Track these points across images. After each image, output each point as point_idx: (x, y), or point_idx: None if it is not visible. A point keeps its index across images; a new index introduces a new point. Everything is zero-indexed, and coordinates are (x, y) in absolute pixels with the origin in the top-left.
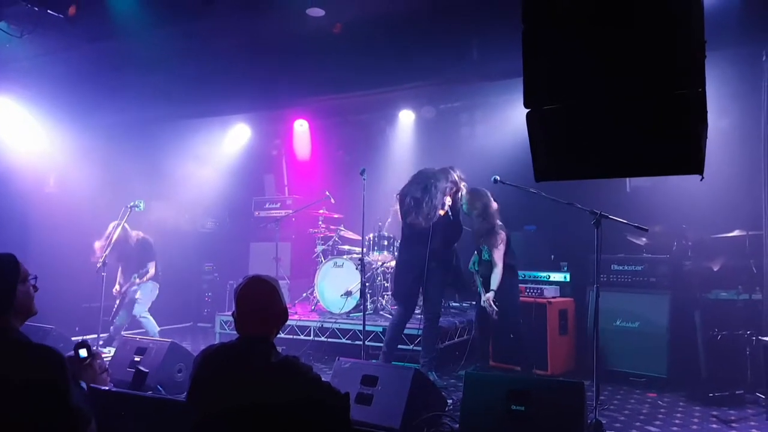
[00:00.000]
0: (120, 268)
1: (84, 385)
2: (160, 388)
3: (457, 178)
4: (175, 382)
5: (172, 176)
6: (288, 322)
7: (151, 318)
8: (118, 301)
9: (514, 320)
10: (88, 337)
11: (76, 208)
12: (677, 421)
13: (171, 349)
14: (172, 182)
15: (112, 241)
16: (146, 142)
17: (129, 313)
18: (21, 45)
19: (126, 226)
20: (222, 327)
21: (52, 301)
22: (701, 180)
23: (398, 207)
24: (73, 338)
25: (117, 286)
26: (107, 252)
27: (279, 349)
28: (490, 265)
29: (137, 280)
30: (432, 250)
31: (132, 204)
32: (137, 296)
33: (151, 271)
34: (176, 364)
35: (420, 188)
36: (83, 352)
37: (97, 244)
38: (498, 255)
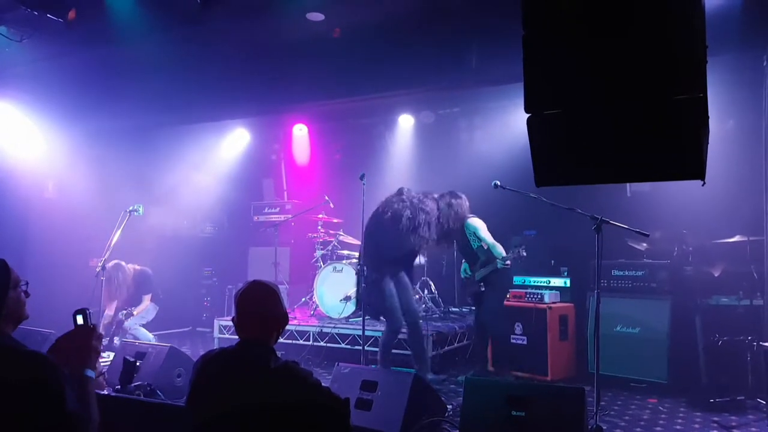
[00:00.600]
0: (109, 304)
1: (92, 374)
2: (160, 393)
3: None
4: (175, 387)
5: (171, 181)
6: (287, 327)
7: (143, 329)
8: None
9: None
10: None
11: (75, 213)
12: (678, 427)
13: (170, 354)
14: (171, 187)
15: (111, 245)
16: (145, 147)
17: (125, 333)
18: (20, 49)
19: (122, 264)
20: (221, 332)
21: (52, 306)
22: (702, 185)
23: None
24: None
25: (104, 320)
26: (107, 256)
27: (278, 354)
28: (485, 249)
29: (125, 319)
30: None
31: (131, 209)
32: (135, 312)
33: (146, 303)
34: (175, 369)
35: (410, 210)
36: (80, 319)
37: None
38: (486, 233)
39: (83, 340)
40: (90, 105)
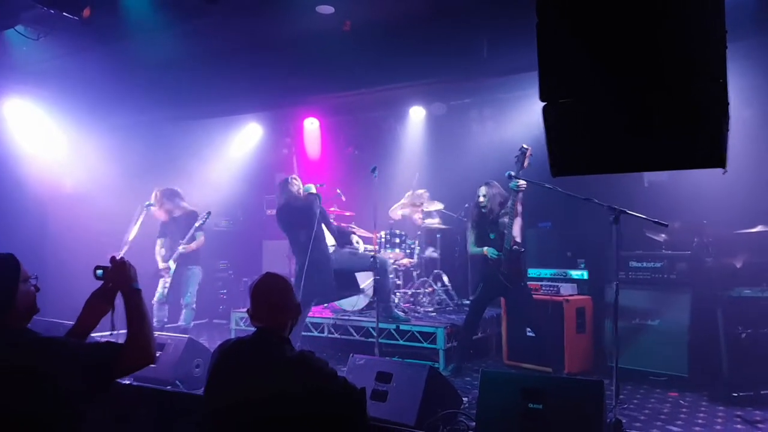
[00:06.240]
0: (160, 244)
1: (138, 286)
2: (179, 383)
3: None
4: (194, 377)
5: (186, 175)
6: None
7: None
8: (165, 283)
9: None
10: (103, 333)
11: (93, 208)
12: (700, 421)
13: (189, 345)
14: (185, 181)
15: (129, 240)
16: (160, 142)
17: (176, 297)
18: (37, 47)
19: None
20: (237, 323)
21: (72, 299)
22: (723, 174)
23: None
24: (95, 334)
25: (160, 262)
26: (124, 250)
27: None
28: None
29: (193, 246)
30: None
31: (147, 203)
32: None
33: (201, 239)
34: (194, 360)
35: None
36: (99, 272)
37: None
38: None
39: (120, 265)
40: (106, 101)
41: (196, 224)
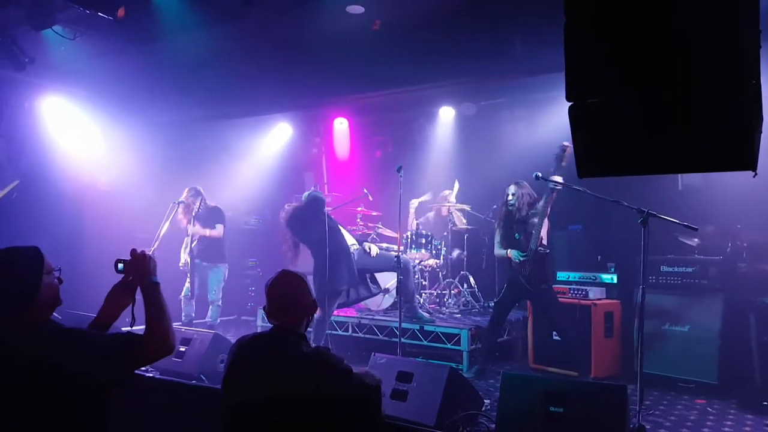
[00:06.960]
0: (186, 242)
1: (157, 279)
2: (204, 378)
3: None
4: (218, 372)
5: (217, 174)
6: None
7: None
8: (189, 279)
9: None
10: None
11: (126, 205)
12: (727, 429)
13: (214, 341)
14: (216, 180)
15: (160, 235)
16: (192, 140)
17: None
18: (73, 47)
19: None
20: (263, 320)
21: (105, 293)
22: (754, 176)
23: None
24: (123, 328)
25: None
26: (156, 246)
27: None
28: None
29: (207, 232)
30: None
31: (179, 200)
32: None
33: (218, 230)
34: (219, 355)
35: None
36: (120, 266)
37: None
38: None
39: (139, 258)
40: (139, 99)
41: (193, 213)
